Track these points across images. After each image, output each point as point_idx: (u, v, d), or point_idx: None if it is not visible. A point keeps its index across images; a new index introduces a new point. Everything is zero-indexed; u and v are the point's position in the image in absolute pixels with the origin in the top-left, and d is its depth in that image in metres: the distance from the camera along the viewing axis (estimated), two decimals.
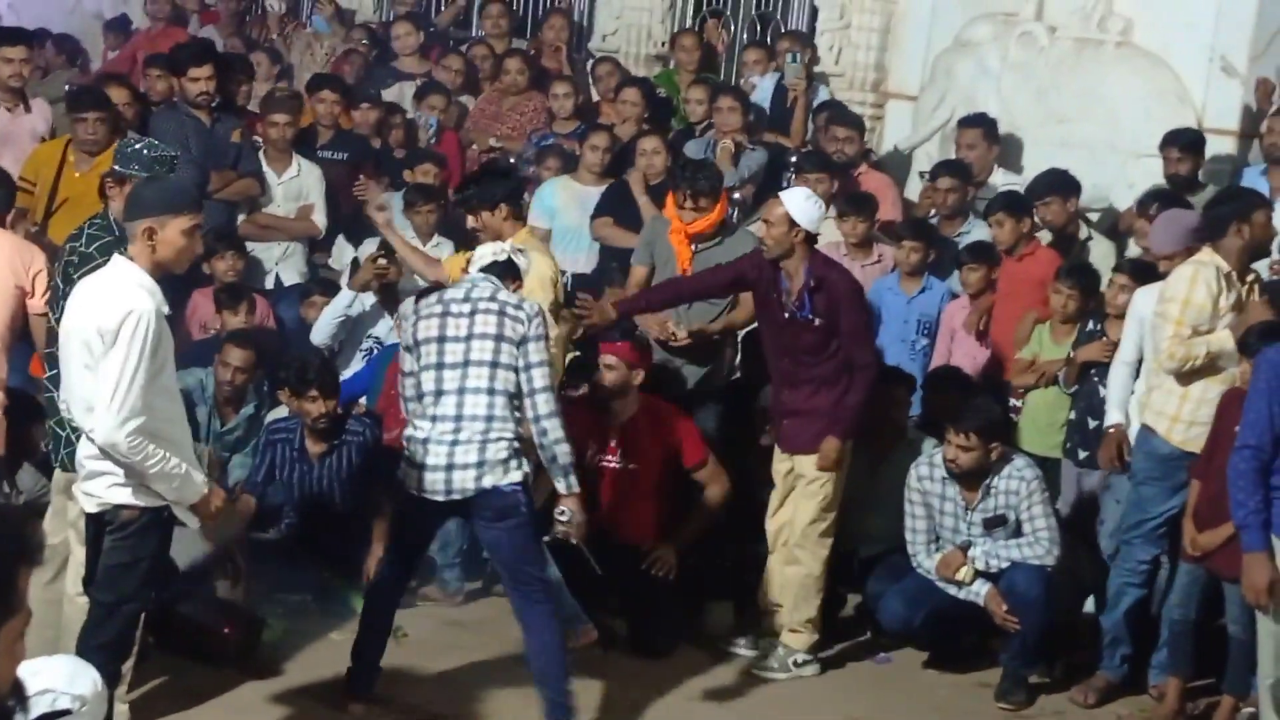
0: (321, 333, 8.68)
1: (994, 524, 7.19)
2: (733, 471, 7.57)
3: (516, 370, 6.14)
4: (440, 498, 6.13)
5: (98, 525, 5.62)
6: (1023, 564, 7.11)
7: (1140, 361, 7.19)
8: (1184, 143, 8.76)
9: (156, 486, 5.46)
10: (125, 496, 5.49)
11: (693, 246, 7.66)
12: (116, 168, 6.25)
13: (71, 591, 5.91)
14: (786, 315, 7.03)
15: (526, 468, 6.16)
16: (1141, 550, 7.04)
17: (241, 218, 9.32)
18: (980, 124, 9.44)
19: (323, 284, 9.13)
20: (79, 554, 5.85)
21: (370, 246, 8.83)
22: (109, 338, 5.27)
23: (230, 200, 9.18)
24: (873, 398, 7.40)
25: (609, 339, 7.47)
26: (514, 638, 6.96)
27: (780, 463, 7.22)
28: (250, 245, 9.21)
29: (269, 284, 9.36)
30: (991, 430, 7.13)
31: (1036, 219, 8.35)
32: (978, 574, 7.19)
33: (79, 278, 5.80)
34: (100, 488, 5.51)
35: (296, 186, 9.40)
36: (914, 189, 9.83)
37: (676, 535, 7.51)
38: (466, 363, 6.15)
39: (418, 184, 9.29)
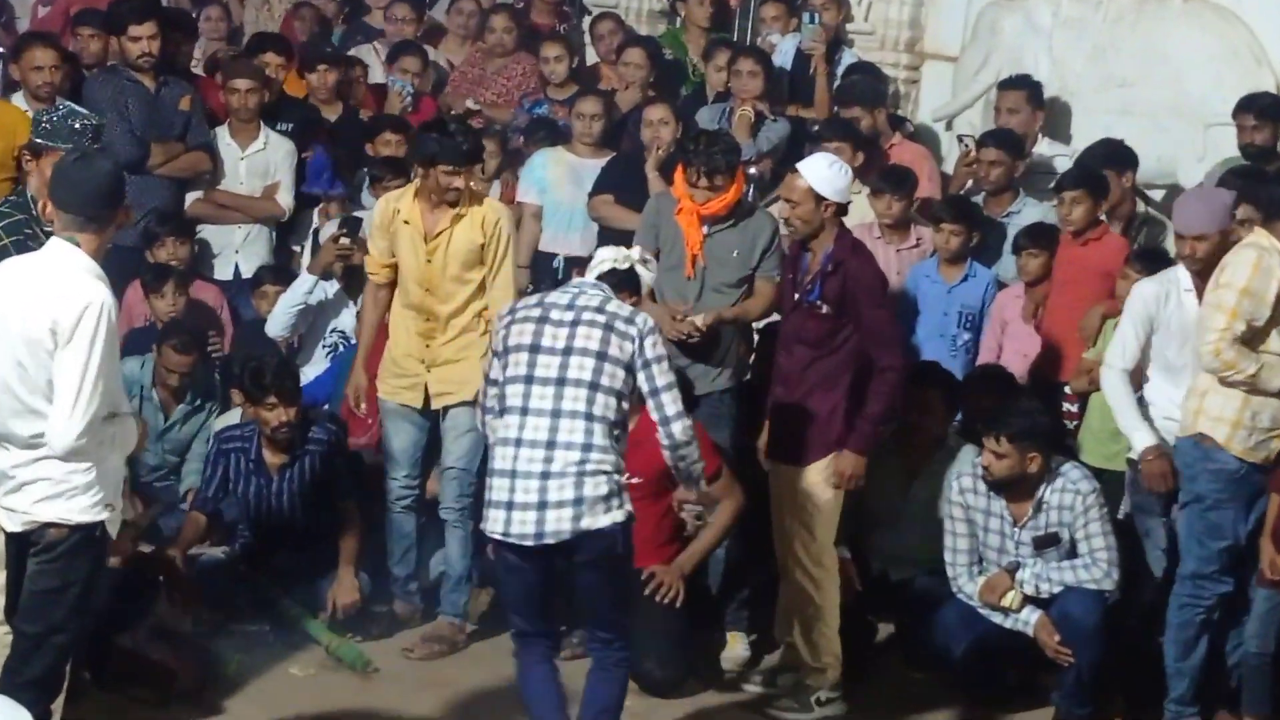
0: (278, 323, 8.59)
1: (1046, 543, 7.10)
2: (748, 484, 7.45)
3: (619, 396, 5.99)
4: (530, 542, 5.90)
5: (19, 546, 5.53)
6: (1077, 588, 7.05)
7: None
8: (1260, 108, 8.68)
9: (118, 458, 5.55)
10: (55, 512, 5.43)
11: (704, 228, 7.58)
12: (36, 140, 6.18)
13: None
14: (796, 298, 7.04)
15: (629, 505, 6.01)
16: (1222, 583, 6.89)
17: (194, 196, 9.24)
18: (1024, 86, 9.34)
19: (275, 271, 9.04)
20: None
21: (332, 227, 8.80)
22: (65, 334, 5.29)
23: (177, 177, 9.11)
24: (903, 402, 7.34)
25: None
26: (504, 674, 6.90)
27: (773, 474, 7.18)
28: (207, 230, 9.19)
29: (228, 274, 9.28)
30: (1030, 436, 7.03)
31: None
32: (1026, 600, 7.11)
33: None
34: (25, 502, 5.44)
35: (263, 161, 9.32)
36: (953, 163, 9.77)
37: (683, 557, 7.42)
38: (562, 380, 5.98)
39: (385, 158, 9.18)
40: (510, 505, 5.92)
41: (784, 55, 10.17)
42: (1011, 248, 8.43)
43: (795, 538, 7.06)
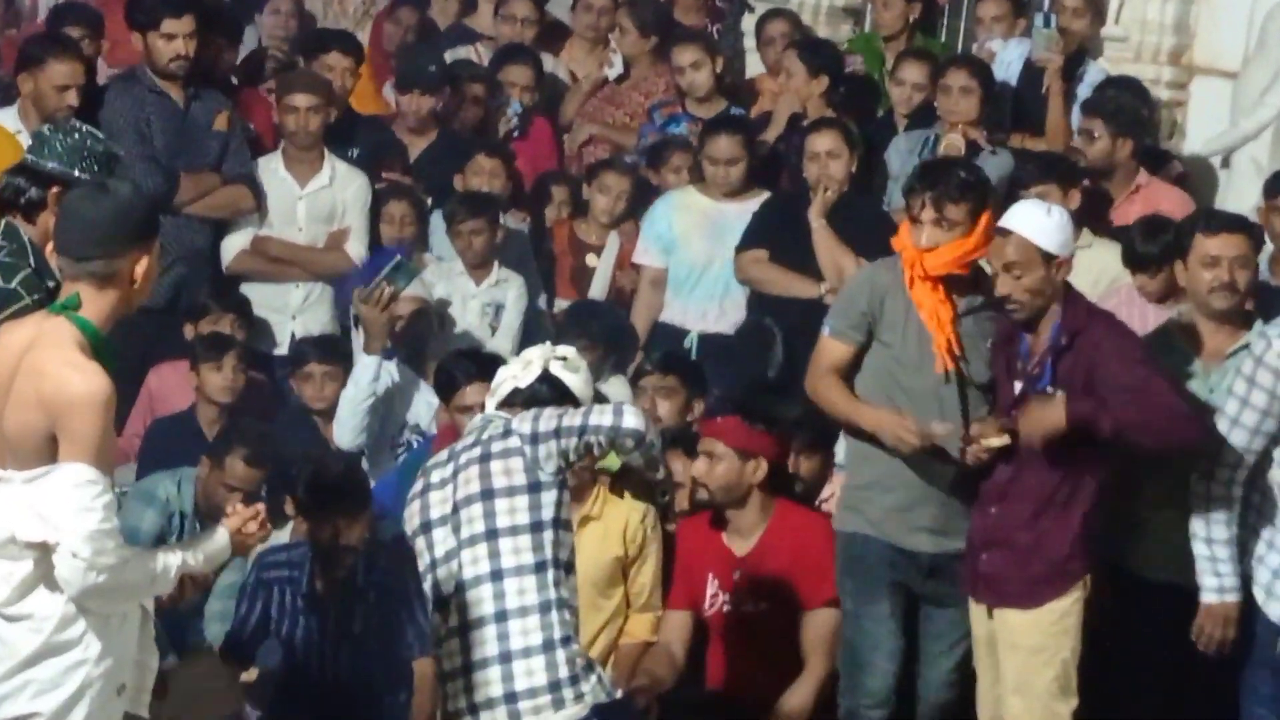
0: (347, 430, 8.55)
1: None
2: None
3: (537, 527, 5.91)
4: None
5: None
6: None
7: None
8: None
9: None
10: None
11: (956, 303, 6.91)
12: (48, 165, 6.37)
13: None
14: (1018, 388, 6.78)
15: (591, 696, 5.97)
16: None
17: (237, 245, 9.21)
18: None
19: (320, 345, 8.87)
20: None
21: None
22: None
23: (212, 218, 9.16)
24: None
25: (712, 413, 7.48)
26: None
27: (976, 620, 7.01)
28: (255, 289, 9.22)
29: (282, 346, 9.30)
30: None
31: None
32: None
33: None
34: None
35: (328, 201, 9.38)
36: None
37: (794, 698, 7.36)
38: (458, 548, 6.01)
39: (467, 193, 9.37)
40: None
41: (1007, 67, 10.12)
42: None
43: (1017, 702, 6.89)
